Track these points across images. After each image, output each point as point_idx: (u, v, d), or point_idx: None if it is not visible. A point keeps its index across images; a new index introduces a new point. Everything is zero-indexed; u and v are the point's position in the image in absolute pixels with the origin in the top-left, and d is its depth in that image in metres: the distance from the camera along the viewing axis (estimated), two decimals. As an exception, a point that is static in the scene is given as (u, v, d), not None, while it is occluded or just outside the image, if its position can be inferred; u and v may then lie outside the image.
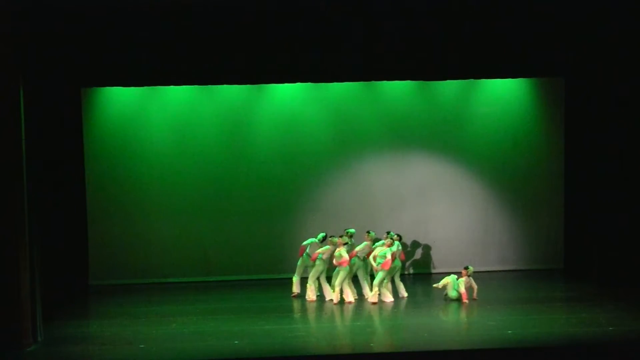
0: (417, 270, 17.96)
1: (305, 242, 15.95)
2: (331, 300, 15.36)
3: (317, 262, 15.38)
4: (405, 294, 15.63)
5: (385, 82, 17.48)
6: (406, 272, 17.64)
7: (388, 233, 15.54)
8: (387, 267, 15.00)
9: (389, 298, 15.32)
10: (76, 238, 17.19)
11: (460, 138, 18.18)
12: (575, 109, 17.68)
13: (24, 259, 12.46)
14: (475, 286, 15.24)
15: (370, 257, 15.26)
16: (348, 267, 15.21)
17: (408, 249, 17.87)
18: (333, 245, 15.32)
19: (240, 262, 17.84)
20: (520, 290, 16.39)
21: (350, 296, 15.36)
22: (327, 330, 13.89)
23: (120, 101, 17.66)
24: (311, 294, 15.52)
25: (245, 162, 17.90)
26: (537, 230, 18.33)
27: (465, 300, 15.02)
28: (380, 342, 13.06)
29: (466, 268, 15.34)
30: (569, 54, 15.48)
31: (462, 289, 15.07)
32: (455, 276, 15.32)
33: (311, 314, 14.76)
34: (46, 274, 13.83)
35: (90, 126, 17.54)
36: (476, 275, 15.68)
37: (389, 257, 15.00)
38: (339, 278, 15.22)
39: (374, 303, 15.09)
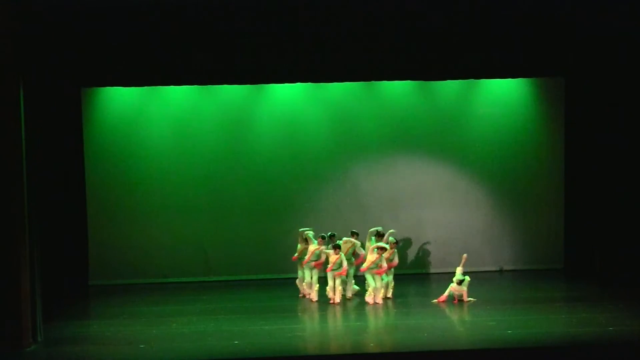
0: (417, 270, 17.95)
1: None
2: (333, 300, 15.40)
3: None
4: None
5: (385, 82, 17.49)
6: (406, 272, 17.63)
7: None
8: (381, 274, 15.08)
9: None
10: (76, 238, 17.18)
11: (460, 138, 18.19)
12: (575, 109, 17.69)
13: (24, 259, 12.46)
14: (465, 294, 15.17)
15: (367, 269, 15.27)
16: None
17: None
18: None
19: (240, 262, 17.85)
20: (520, 290, 16.38)
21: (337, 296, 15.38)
22: (327, 330, 13.90)
23: (120, 101, 17.66)
24: (315, 295, 15.53)
25: (245, 162, 17.90)
26: (537, 230, 18.33)
27: (466, 300, 15.05)
28: (380, 342, 13.05)
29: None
30: (569, 54, 15.48)
31: (464, 288, 15.08)
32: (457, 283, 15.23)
33: (311, 314, 14.76)
34: (46, 274, 13.83)
35: (90, 126, 17.54)
36: (476, 275, 15.67)
37: (384, 265, 15.06)
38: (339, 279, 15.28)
39: (376, 303, 15.12)
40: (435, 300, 15.12)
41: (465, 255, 15.30)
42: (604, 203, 16.38)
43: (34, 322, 12.66)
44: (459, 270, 15.11)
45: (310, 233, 15.70)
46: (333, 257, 15.17)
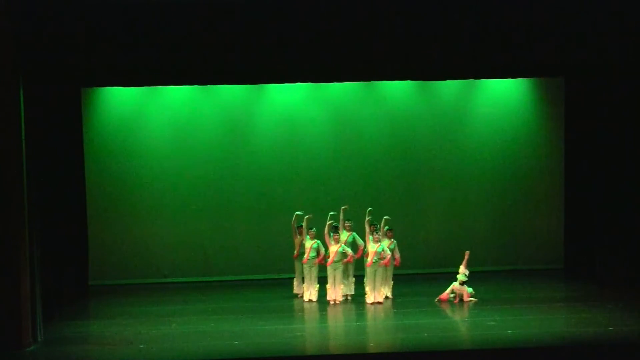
0: (417, 270, 17.93)
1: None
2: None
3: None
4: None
5: (385, 82, 17.49)
6: (406, 272, 17.60)
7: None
8: (387, 264, 15.03)
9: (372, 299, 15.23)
10: (76, 238, 17.15)
11: (460, 138, 18.21)
12: (575, 109, 17.68)
13: (24, 259, 12.46)
14: (466, 293, 15.16)
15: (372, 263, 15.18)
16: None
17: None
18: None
19: (240, 262, 17.86)
20: (520, 290, 16.37)
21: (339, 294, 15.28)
22: (327, 330, 13.90)
23: (120, 101, 17.68)
24: (314, 295, 15.47)
25: (245, 162, 17.91)
26: (537, 230, 18.34)
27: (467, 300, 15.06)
28: (380, 342, 13.05)
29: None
30: (569, 54, 15.47)
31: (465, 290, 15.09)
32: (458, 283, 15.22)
33: (311, 314, 14.76)
34: (46, 274, 13.83)
35: (90, 126, 17.54)
36: (476, 275, 15.67)
37: (387, 253, 15.02)
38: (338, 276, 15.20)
39: (376, 303, 15.08)
40: (438, 298, 15.11)
41: (467, 252, 15.27)
42: (604, 203, 16.37)
43: (34, 322, 12.67)
44: (462, 269, 15.10)
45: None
46: (333, 248, 15.08)
